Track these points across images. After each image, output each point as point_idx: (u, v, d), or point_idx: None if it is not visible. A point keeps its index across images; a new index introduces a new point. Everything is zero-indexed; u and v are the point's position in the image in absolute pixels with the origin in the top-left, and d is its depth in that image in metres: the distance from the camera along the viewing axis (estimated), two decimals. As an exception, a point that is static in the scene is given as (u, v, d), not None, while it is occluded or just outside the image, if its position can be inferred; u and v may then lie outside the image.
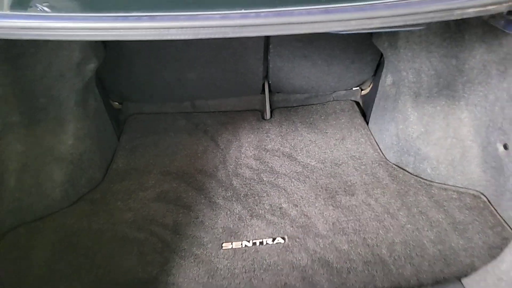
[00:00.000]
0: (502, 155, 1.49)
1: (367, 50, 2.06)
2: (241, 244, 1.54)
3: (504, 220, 1.52)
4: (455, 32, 1.51)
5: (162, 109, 2.35)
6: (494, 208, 1.58)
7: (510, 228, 1.48)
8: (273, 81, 2.24)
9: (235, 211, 1.69)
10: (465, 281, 1.03)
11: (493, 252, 1.41)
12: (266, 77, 2.24)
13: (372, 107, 2.17)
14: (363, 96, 2.41)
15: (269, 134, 2.18)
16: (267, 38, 1.94)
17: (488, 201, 1.61)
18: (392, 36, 1.65)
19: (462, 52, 1.52)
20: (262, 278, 1.39)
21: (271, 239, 1.56)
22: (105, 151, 1.96)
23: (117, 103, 2.31)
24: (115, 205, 1.71)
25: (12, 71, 1.41)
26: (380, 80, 1.98)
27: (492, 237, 1.47)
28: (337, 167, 1.92)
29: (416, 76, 1.67)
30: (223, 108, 2.38)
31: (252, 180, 1.86)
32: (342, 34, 1.92)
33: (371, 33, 1.88)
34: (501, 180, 1.51)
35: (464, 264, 1.38)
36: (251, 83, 2.25)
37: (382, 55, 2.09)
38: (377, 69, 2.20)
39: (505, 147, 1.47)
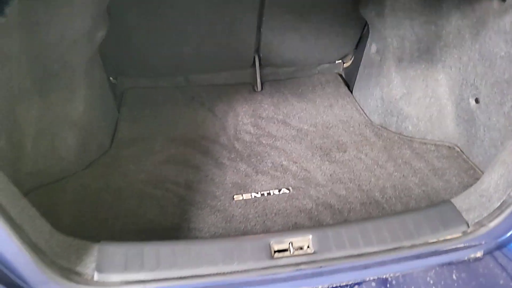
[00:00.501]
0: (473, 108, 1.73)
1: (351, 23, 2.26)
2: (251, 196, 1.69)
3: (475, 165, 1.77)
4: (432, 1, 1.73)
5: (157, 83, 2.45)
6: (466, 156, 1.83)
7: (480, 170, 1.73)
8: (264, 55, 2.39)
9: (241, 169, 1.84)
10: (454, 200, 1.25)
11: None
12: (257, 50, 2.39)
13: (355, 77, 2.37)
14: (345, 69, 2.61)
15: (262, 104, 2.33)
16: (260, 11, 2.08)
17: (461, 151, 1.86)
18: (379, 5, 1.84)
19: (440, 19, 1.74)
20: (274, 220, 1.56)
21: (277, 190, 1.72)
22: (110, 120, 2.04)
23: (111, 77, 2.38)
24: (127, 167, 1.81)
25: (27, 37, 1.47)
26: (365, 49, 2.18)
27: (466, 178, 1.72)
28: (328, 130, 2.11)
29: (400, 42, 1.88)
30: (216, 82, 2.50)
31: (252, 143, 2.01)
32: (330, 5, 2.11)
33: (358, 5, 2.07)
34: (473, 131, 1.76)
35: (442, 200, 1.62)
36: (243, 56, 2.39)
37: (364, 28, 2.30)
38: (359, 42, 2.40)
39: (477, 101, 1.71)
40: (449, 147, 1.90)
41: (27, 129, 1.60)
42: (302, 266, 1.08)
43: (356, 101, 2.32)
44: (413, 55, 1.89)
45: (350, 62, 2.56)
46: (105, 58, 2.13)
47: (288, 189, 1.73)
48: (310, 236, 1.13)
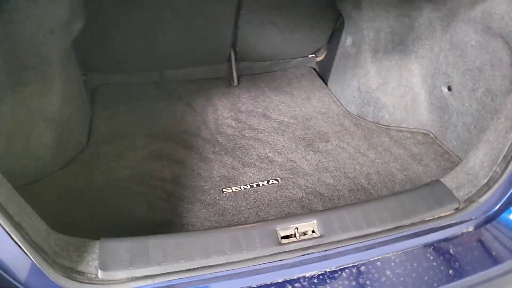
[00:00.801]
0: (446, 96, 1.83)
1: (325, 17, 2.31)
2: (240, 188, 1.68)
3: (449, 149, 1.87)
4: None
5: (130, 79, 2.36)
6: (440, 141, 1.93)
7: (454, 154, 1.84)
8: (240, 49, 2.39)
9: (226, 162, 1.82)
10: (443, 179, 1.31)
11: (446, 172, 1.75)
12: (233, 45, 2.37)
13: (330, 70, 2.43)
14: (318, 62, 2.66)
15: (240, 98, 2.33)
16: (239, 5, 2.07)
17: (435, 137, 1.96)
18: (357, -3, 1.91)
19: (413, 11, 1.82)
20: (267, 211, 1.56)
21: (266, 181, 1.73)
22: (85, 117, 1.95)
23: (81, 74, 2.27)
24: (108, 165, 1.74)
25: (1, 27, 1.37)
26: (340, 42, 2.24)
27: (443, 162, 1.82)
28: (308, 121, 2.14)
29: (376, 34, 1.95)
30: (191, 77, 2.46)
31: (235, 137, 2.00)
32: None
33: None
34: (446, 117, 1.86)
35: (423, 182, 1.70)
36: (219, 51, 2.37)
37: (337, 22, 2.36)
38: (332, 36, 2.46)
39: (449, 88, 1.81)
40: (424, 134, 2.00)
41: (-2, 126, 1.49)
42: (310, 251, 1.09)
43: (332, 93, 2.37)
44: (388, 46, 1.97)
45: (323, 55, 2.62)
46: (75, 54, 2.03)
47: (276, 179, 1.73)
48: (315, 221, 1.14)
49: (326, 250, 1.09)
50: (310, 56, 2.65)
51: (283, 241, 1.10)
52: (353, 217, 1.15)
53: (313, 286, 1.04)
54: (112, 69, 2.29)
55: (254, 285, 1.03)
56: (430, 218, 1.19)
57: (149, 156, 1.82)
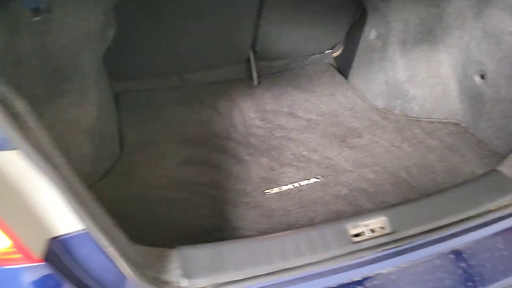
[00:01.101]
0: (479, 84, 1.83)
1: (343, 12, 2.30)
2: (283, 188, 1.66)
3: (484, 138, 1.87)
4: None
5: (150, 86, 2.32)
6: (472, 131, 1.93)
7: (490, 143, 1.83)
8: (259, 48, 2.36)
9: (263, 163, 1.80)
10: (499, 168, 1.31)
11: (485, 161, 1.75)
12: (252, 45, 2.35)
13: (350, 65, 2.41)
14: (335, 58, 2.65)
15: (263, 98, 2.30)
16: (261, 3, 2.04)
17: (466, 126, 1.96)
18: (384, -11, 1.89)
19: (442, 1, 1.82)
20: (315, 210, 1.54)
21: (307, 180, 1.71)
22: (116, 125, 1.91)
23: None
24: (145, 174, 1.70)
25: (38, 37, 1.33)
26: (362, 36, 2.22)
27: (480, 151, 1.81)
28: (336, 118, 2.12)
29: (404, 25, 1.94)
30: (210, 80, 2.42)
31: (266, 137, 1.97)
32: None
33: None
34: (478, 106, 1.86)
35: (466, 172, 1.70)
36: (239, 51, 2.34)
37: (356, 16, 2.34)
38: (349, 30, 2.45)
39: (482, 77, 1.81)
40: (455, 124, 1.99)
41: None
42: (384, 247, 1.07)
43: (355, 87, 2.36)
44: (416, 38, 1.96)
45: (340, 50, 2.61)
46: None
47: (317, 178, 1.71)
48: (384, 217, 1.12)
49: (399, 246, 1.08)
50: (327, 52, 2.63)
51: (355, 239, 1.08)
52: (420, 211, 1.14)
53: (391, 282, 1.03)
54: (132, 76, 2.25)
55: (334, 285, 1.01)
56: (495, 208, 1.18)
57: (183, 162, 1.79)
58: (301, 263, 1.01)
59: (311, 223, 1.47)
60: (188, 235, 1.42)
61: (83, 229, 0.80)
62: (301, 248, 1.04)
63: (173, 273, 0.96)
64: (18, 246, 0.75)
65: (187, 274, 0.96)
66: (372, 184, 1.67)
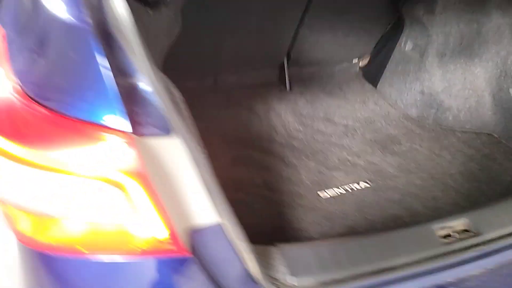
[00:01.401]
0: (514, 97, 1.91)
1: (377, 22, 2.36)
2: (335, 192, 1.68)
3: None
4: (478, 0, 1.88)
5: (185, 86, 2.29)
6: (505, 142, 2.01)
7: None
8: (294, 54, 2.39)
9: (311, 166, 1.81)
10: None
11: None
12: (288, 50, 2.37)
13: (379, 74, 2.47)
14: (362, 68, 2.71)
15: (297, 103, 2.32)
16: (306, 9, 2.07)
17: (499, 137, 2.04)
18: (430, 4, 1.96)
19: (482, 17, 1.90)
20: (373, 213, 1.56)
21: (357, 183, 1.73)
22: None
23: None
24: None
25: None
26: (397, 47, 2.29)
27: (517, 161, 1.89)
28: (372, 125, 2.17)
29: (445, 39, 2.02)
30: (243, 82, 2.43)
31: (308, 141, 1.99)
32: (365, 4, 2.17)
33: (391, 3, 2.17)
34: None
35: (508, 181, 1.77)
36: (274, 56, 2.36)
37: (387, 27, 2.41)
38: (379, 41, 2.51)
39: (518, 90, 1.89)
40: (488, 135, 2.07)
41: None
42: (472, 249, 1.10)
43: (386, 96, 2.41)
44: (455, 50, 2.04)
45: (367, 60, 2.66)
46: None
47: (366, 182, 1.74)
48: (466, 219, 1.15)
49: (486, 247, 1.11)
50: (354, 62, 2.69)
51: (444, 240, 1.11)
52: (500, 213, 1.18)
53: (482, 284, 1.06)
54: (170, 77, 2.22)
55: (429, 286, 1.03)
56: None
57: (232, 163, 1.78)
58: (399, 263, 1.03)
59: (372, 228, 1.49)
60: (250, 235, 1.41)
61: (218, 223, 0.79)
62: (397, 249, 1.05)
63: (279, 270, 0.95)
64: (173, 237, 0.73)
65: (293, 272, 0.95)
66: (421, 190, 1.71)
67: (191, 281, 0.78)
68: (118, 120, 0.72)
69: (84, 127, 0.71)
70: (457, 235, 1.11)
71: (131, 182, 0.69)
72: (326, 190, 1.68)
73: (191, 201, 0.77)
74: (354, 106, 2.32)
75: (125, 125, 0.71)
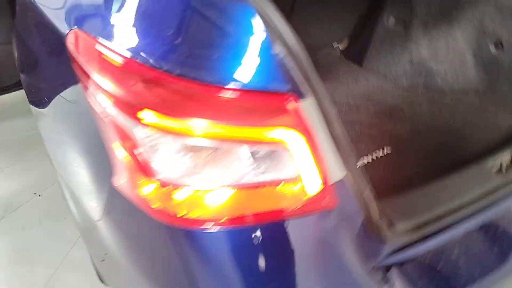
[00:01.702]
0: (495, 53, 2.11)
1: (356, 3, 2.50)
2: (365, 160, 1.76)
3: (504, 99, 2.15)
4: None
5: None
6: (491, 95, 2.20)
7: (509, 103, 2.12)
8: None
9: None
10: None
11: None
12: None
13: (364, 53, 2.61)
14: (342, 51, 2.84)
15: None
16: None
17: (484, 91, 2.23)
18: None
19: None
20: (410, 169, 1.66)
21: (380, 151, 1.82)
22: None
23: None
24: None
25: None
26: (379, 24, 2.43)
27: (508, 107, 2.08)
28: (371, 99, 2.27)
29: (427, 9, 2.19)
30: None
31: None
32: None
33: None
34: (494, 72, 2.14)
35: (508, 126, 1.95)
36: None
37: (366, 6, 2.55)
38: (358, 22, 2.66)
39: (497, 46, 2.09)
40: (475, 91, 2.26)
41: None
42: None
43: (374, 71, 2.54)
44: (436, 19, 2.21)
45: (347, 43, 2.80)
46: None
47: (388, 149, 1.83)
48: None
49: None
50: (334, 46, 2.81)
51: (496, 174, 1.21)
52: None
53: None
54: None
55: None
56: None
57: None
58: (466, 201, 1.11)
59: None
60: None
61: (345, 176, 0.83)
62: (460, 188, 1.15)
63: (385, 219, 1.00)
64: (327, 190, 0.76)
65: (390, 222, 1.00)
66: (441, 145, 1.83)
67: (337, 233, 0.81)
68: (276, 85, 0.77)
69: (248, 94, 0.73)
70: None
71: (296, 138, 0.74)
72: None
73: (330, 155, 0.81)
74: (348, 86, 2.43)
75: (283, 88, 0.77)
